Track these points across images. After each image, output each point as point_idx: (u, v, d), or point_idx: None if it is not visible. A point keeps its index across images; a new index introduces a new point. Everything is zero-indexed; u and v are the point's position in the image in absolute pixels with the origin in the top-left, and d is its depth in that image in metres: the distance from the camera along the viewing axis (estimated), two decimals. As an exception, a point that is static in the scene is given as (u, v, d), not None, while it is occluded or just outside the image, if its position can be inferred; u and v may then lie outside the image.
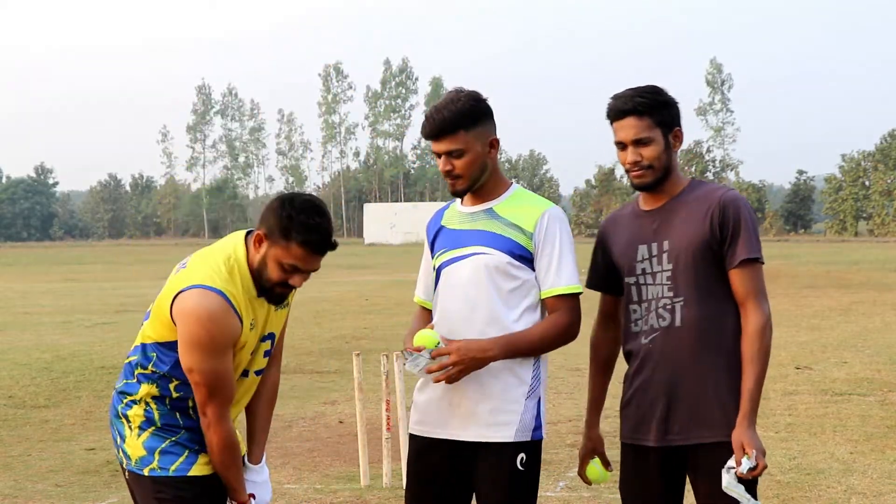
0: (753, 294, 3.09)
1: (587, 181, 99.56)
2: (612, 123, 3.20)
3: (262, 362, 3.24)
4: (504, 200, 3.26)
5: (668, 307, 3.14)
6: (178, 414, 3.13)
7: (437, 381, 3.16)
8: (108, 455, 7.38)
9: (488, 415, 3.18)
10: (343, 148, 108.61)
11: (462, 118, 3.16)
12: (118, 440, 3.18)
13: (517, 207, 3.24)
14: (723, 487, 3.02)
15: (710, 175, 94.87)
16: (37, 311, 20.13)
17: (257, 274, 3.06)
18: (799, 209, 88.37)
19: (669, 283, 3.14)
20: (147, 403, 3.12)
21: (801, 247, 55.57)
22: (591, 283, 3.41)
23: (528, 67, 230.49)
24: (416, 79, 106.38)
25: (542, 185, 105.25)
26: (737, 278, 3.10)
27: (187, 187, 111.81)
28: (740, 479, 3.01)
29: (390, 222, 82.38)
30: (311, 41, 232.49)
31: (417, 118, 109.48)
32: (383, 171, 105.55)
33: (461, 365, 3.12)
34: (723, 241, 3.10)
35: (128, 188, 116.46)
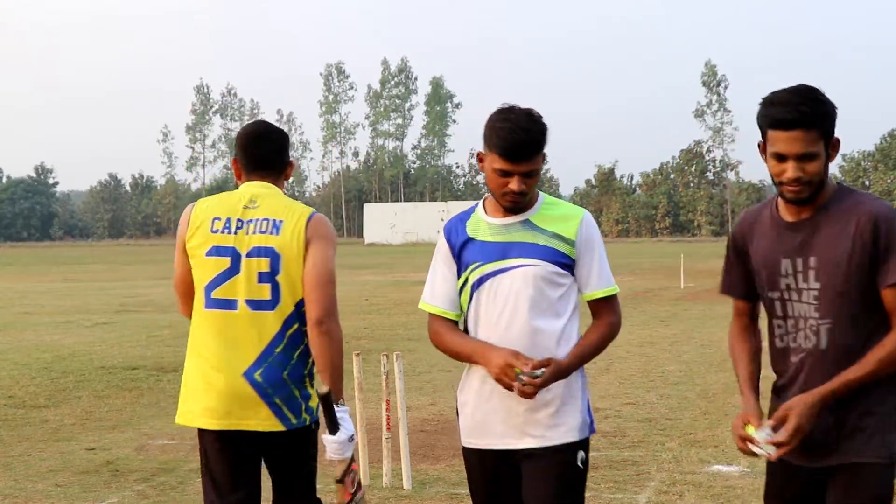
0: None
1: (587, 181, 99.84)
2: (769, 130, 2.93)
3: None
4: (539, 210, 3.21)
5: (814, 328, 2.96)
6: (305, 348, 3.40)
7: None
8: (108, 455, 7.38)
9: (549, 418, 3.14)
10: (343, 148, 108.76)
11: (544, 138, 3.13)
12: (303, 404, 3.38)
13: (553, 217, 3.20)
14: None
15: (709, 175, 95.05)
16: (37, 311, 20.16)
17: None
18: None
19: (816, 302, 2.95)
20: (308, 353, 3.38)
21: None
22: (726, 289, 3.20)
23: (527, 67, 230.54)
24: (416, 78, 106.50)
25: (542, 186, 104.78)
26: (889, 297, 2.89)
27: (187, 187, 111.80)
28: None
29: (390, 222, 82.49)
30: (311, 41, 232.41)
31: (418, 118, 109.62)
32: (383, 171, 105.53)
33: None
34: (875, 259, 2.88)
35: (128, 188, 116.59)
